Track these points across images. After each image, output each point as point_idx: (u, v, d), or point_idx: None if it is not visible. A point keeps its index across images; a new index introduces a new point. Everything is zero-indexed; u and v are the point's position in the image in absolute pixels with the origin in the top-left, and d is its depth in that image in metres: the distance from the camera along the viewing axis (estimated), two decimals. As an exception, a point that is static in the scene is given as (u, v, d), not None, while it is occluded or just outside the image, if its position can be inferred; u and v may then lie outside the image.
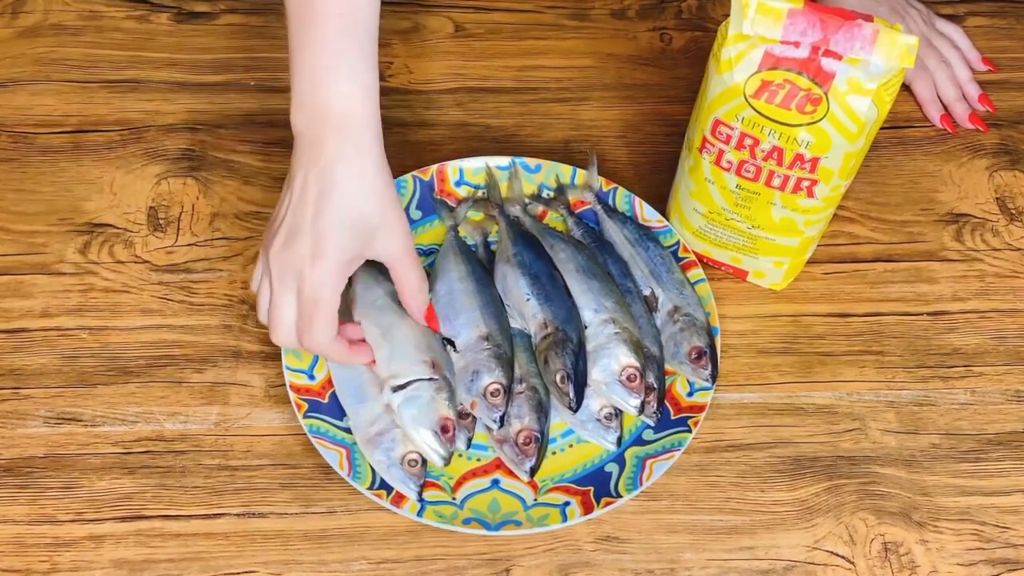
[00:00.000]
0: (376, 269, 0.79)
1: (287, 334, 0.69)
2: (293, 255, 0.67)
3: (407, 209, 0.85)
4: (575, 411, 0.73)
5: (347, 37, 0.67)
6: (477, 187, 0.88)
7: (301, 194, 0.68)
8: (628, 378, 0.74)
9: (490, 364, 0.74)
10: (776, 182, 0.75)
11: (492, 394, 0.73)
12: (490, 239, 0.85)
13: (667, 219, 0.86)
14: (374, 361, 0.74)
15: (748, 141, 0.73)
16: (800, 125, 0.71)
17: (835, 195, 0.76)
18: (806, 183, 0.74)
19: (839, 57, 0.68)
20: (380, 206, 0.69)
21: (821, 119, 0.70)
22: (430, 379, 0.72)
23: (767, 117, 0.71)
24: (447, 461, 0.71)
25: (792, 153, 0.72)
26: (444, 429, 0.71)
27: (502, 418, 0.73)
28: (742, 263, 0.83)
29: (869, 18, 0.68)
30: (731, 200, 0.78)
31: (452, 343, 0.75)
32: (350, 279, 0.71)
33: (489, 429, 0.74)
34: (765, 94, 0.71)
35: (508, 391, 0.73)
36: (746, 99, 0.71)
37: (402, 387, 0.72)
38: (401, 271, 0.72)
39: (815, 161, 0.72)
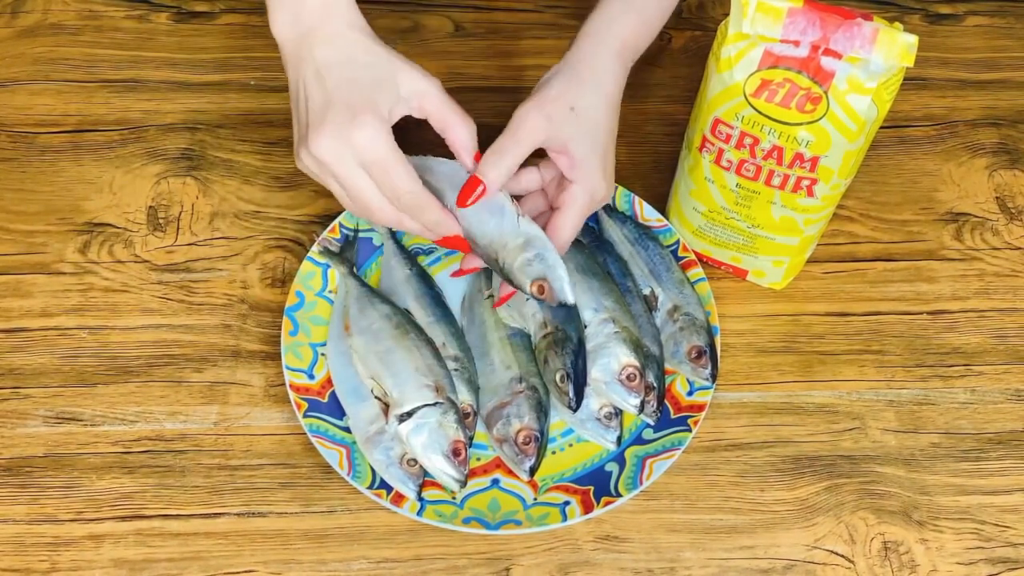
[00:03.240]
0: (368, 290, 0.78)
1: (380, 207, 0.69)
2: (334, 132, 0.66)
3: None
4: (575, 410, 0.73)
5: None
6: (477, 186, 0.87)
7: (315, 80, 0.68)
8: (628, 377, 0.74)
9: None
10: (776, 181, 0.75)
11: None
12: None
13: (667, 218, 0.86)
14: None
15: (748, 140, 0.73)
16: (800, 124, 0.71)
17: (835, 194, 0.76)
18: (806, 182, 0.74)
19: (839, 56, 0.68)
20: (388, 56, 0.70)
21: (821, 118, 0.70)
22: (435, 404, 0.72)
23: (767, 116, 0.71)
24: (463, 484, 0.71)
25: (792, 152, 0.72)
26: (456, 452, 0.71)
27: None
28: (742, 262, 0.83)
29: (869, 16, 0.68)
30: (731, 199, 0.78)
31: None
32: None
33: (489, 428, 0.74)
34: (765, 93, 0.71)
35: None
36: (746, 98, 0.71)
37: (408, 415, 0.71)
38: (437, 109, 0.71)
39: (815, 160, 0.72)
